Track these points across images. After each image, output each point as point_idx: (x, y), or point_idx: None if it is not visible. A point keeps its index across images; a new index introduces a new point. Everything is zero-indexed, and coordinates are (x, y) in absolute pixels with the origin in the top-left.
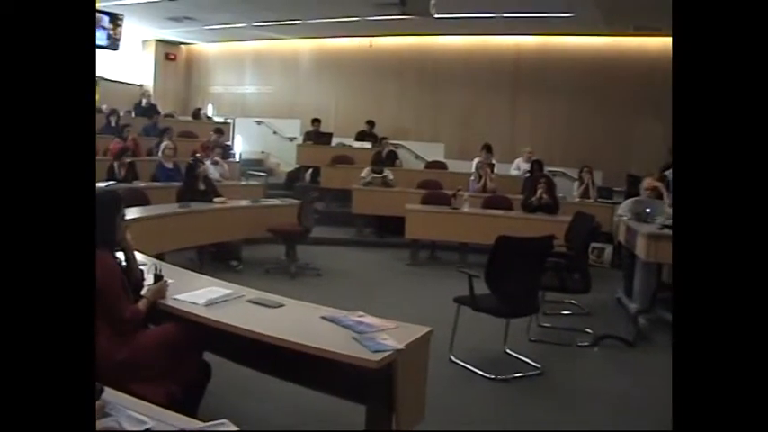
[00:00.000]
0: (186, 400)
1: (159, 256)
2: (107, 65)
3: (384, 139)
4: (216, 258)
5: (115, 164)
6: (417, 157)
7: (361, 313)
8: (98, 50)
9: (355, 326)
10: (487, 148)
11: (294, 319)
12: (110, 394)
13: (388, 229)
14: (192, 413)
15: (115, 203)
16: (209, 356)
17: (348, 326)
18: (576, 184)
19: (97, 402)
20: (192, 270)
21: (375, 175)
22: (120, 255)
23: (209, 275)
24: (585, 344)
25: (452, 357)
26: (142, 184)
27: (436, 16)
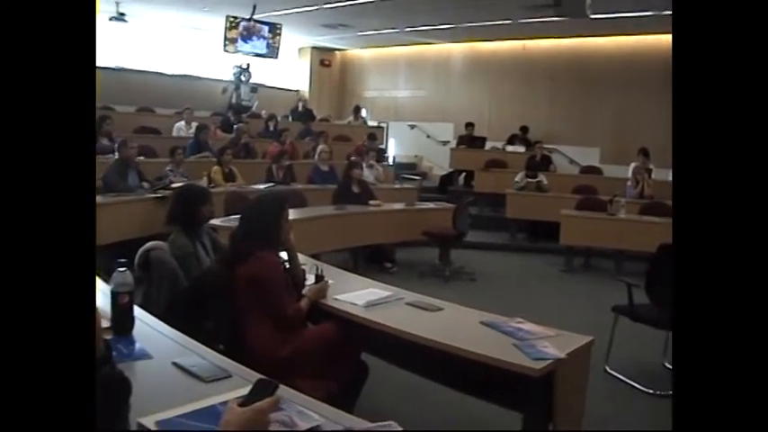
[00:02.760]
0: (343, 398)
1: (315, 257)
2: (267, 72)
3: (538, 143)
4: (370, 260)
5: (273, 166)
6: (572, 161)
7: (521, 319)
8: (259, 59)
9: (515, 332)
10: (645, 153)
11: (453, 324)
12: (281, 390)
13: (541, 234)
14: (347, 412)
15: (279, 204)
16: (366, 357)
17: (508, 332)
18: None
19: (272, 398)
20: (346, 271)
21: (529, 180)
22: (284, 254)
23: (363, 277)
24: None
25: (608, 369)
26: (299, 186)
27: (592, 16)
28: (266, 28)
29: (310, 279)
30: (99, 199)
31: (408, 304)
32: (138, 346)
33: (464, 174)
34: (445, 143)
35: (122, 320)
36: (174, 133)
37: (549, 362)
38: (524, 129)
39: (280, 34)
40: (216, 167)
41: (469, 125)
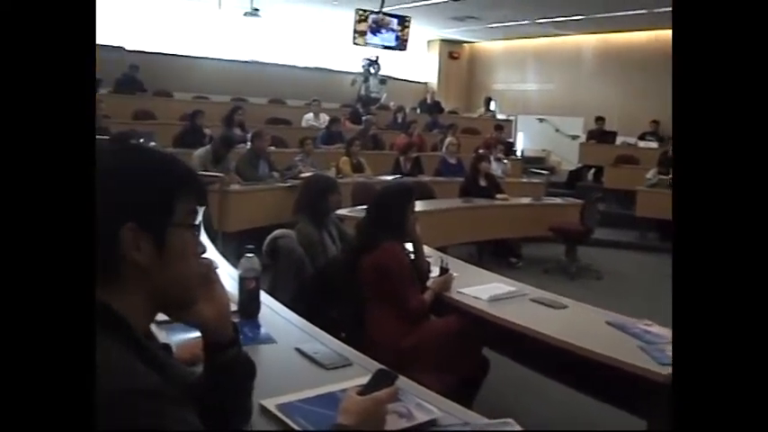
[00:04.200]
0: (462, 393)
1: (442, 250)
2: (395, 64)
3: (671, 138)
4: (495, 254)
5: (401, 158)
6: None
7: (649, 322)
8: (387, 51)
9: (642, 335)
10: None
11: (578, 322)
12: (400, 381)
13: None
14: (466, 407)
15: (407, 196)
16: (488, 352)
17: (635, 334)
18: None
19: (391, 388)
20: (471, 264)
21: (662, 177)
22: (409, 246)
23: (488, 271)
24: None
25: None
26: (426, 178)
27: None
28: (395, 21)
29: (435, 271)
30: (231, 187)
31: (533, 300)
32: (263, 330)
33: (593, 169)
34: (574, 137)
35: (249, 305)
36: (303, 124)
37: None
38: (656, 123)
39: (408, 27)
40: (344, 158)
41: (600, 119)
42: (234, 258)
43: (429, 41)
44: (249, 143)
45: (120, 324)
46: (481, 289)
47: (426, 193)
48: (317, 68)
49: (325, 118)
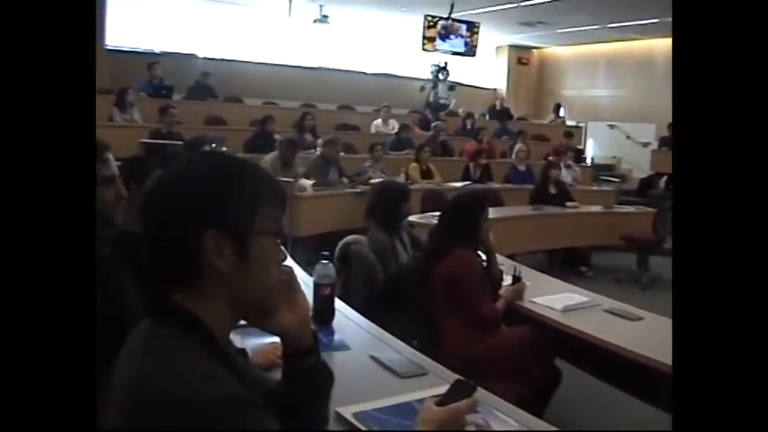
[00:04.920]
0: (533, 403)
1: (511, 257)
2: (464, 71)
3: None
4: (565, 263)
5: (470, 165)
6: None
7: None
8: (456, 57)
9: None
10: None
11: (652, 335)
12: (477, 391)
13: None
14: (536, 417)
15: (480, 204)
16: (560, 363)
17: None
18: None
19: (470, 399)
20: (540, 273)
21: None
22: (482, 254)
23: (558, 280)
24: None
25: None
26: (496, 185)
27: None
28: (464, 26)
29: (507, 280)
30: (300, 192)
31: (606, 311)
32: (336, 337)
33: (666, 177)
34: (646, 144)
35: (323, 311)
36: (372, 130)
37: None
38: None
39: (477, 33)
40: (413, 164)
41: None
42: (305, 263)
43: (498, 47)
44: (320, 149)
45: (204, 330)
46: (554, 299)
47: (495, 201)
48: (385, 74)
49: (393, 124)
